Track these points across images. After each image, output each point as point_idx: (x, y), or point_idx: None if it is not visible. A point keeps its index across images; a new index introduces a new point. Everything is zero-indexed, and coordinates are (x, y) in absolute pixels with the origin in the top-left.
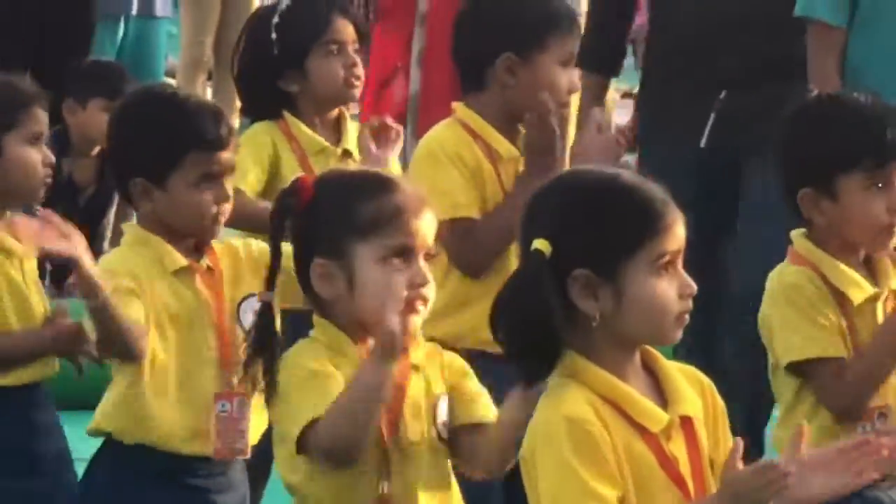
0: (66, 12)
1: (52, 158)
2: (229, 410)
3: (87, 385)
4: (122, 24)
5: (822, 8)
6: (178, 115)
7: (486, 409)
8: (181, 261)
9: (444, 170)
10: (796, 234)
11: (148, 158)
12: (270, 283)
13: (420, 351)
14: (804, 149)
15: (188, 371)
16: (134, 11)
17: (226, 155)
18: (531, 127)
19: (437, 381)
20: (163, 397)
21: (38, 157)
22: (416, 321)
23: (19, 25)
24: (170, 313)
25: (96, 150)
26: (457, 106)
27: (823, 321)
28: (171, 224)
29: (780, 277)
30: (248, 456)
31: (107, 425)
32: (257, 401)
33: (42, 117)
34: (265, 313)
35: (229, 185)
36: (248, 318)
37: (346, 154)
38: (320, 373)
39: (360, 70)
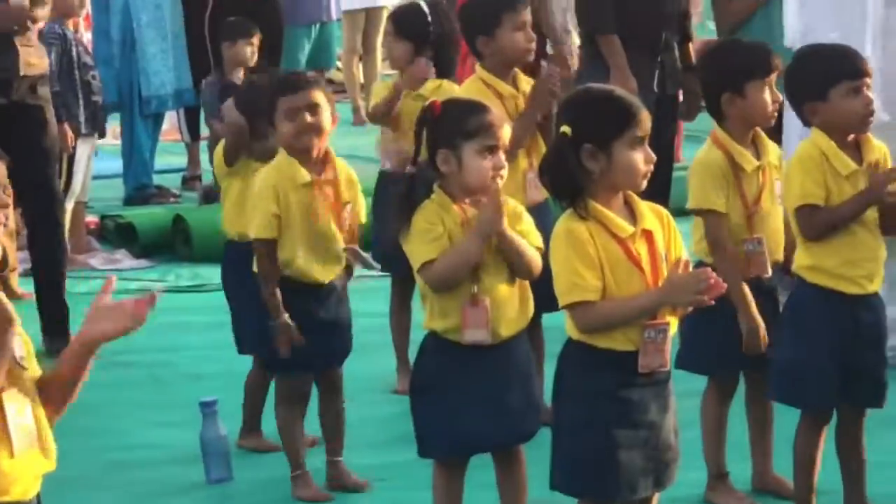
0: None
1: None
2: None
3: None
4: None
5: None
6: None
7: (531, 236)
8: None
9: None
10: (715, 128)
11: None
12: (414, 161)
13: None
14: (725, 68)
15: None
16: (324, 19)
17: None
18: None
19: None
20: None
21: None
22: (496, 187)
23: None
24: None
25: None
26: (477, 67)
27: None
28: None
29: (701, 155)
30: None
31: None
32: None
33: None
34: (411, 185)
35: None
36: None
37: None
38: (428, 230)
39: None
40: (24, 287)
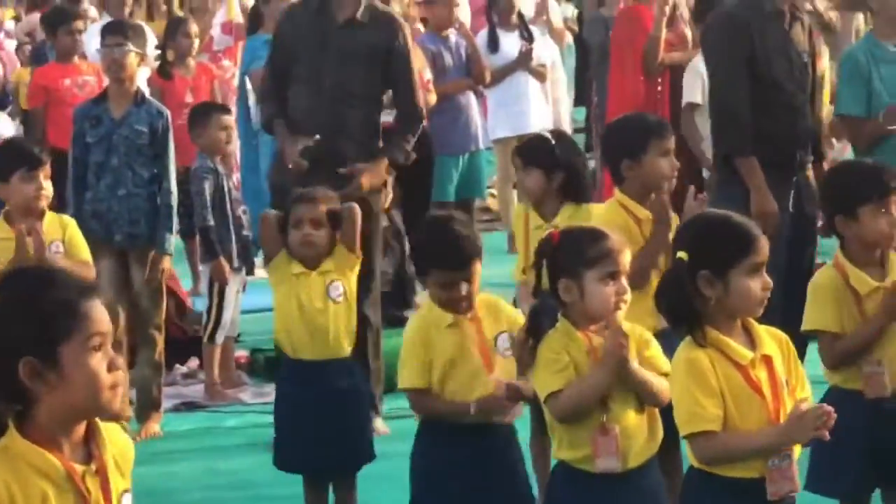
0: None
1: None
2: None
3: None
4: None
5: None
6: None
7: (659, 362)
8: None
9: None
10: (838, 250)
11: None
12: (536, 293)
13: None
14: (838, 191)
15: None
16: (473, 149)
17: None
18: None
19: (631, 350)
20: None
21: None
22: (621, 315)
23: None
24: None
25: None
26: (616, 192)
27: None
28: None
29: (817, 276)
30: None
31: None
32: None
33: None
34: (535, 317)
35: None
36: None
37: None
38: (553, 360)
39: None
40: None
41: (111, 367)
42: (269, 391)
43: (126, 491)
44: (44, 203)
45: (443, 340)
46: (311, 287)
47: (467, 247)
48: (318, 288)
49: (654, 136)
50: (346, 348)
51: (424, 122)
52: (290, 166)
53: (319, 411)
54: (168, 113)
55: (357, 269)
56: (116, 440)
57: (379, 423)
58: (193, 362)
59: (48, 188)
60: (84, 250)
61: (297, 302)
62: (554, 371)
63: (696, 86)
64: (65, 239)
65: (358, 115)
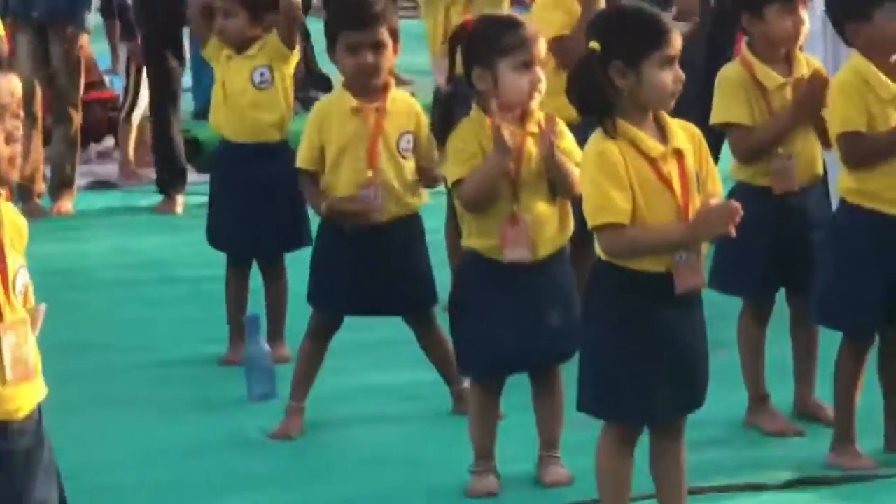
0: None
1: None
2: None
3: None
4: None
5: None
6: None
7: (574, 154)
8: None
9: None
10: (744, 44)
11: None
12: (449, 80)
13: (534, 122)
14: None
15: None
16: None
17: None
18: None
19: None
20: None
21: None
22: (534, 104)
23: None
24: None
25: None
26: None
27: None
28: None
29: (723, 71)
30: None
31: None
32: None
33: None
34: (446, 104)
35: None
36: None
37: None
38: (461, 149)
39: None
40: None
41: (9, 140)
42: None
43: (22, 266)
44: None
45: (341, 125)
46: (235, 71)
47: (375, 9)
48: (243, 73)
49: None
50: (274, 133)
51: None
52: None
53: (246, 193)
54: None
55: (292, 61)
56: (12, 218)
57: None
58: (109, 141)
59: None
60: None
61: (222, 85)
62: (461, 159)
63: None
64: None
65: None
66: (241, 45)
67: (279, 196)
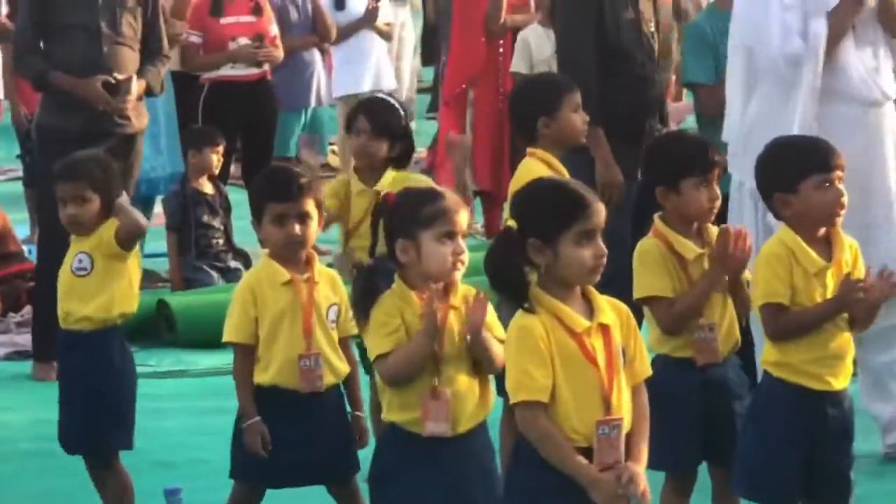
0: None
1: None
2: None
3: None
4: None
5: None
6: None
7: (494, 329)
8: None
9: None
10: (656, 218)
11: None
12: (372, 254)
13: (458, 296)
14: (661, 162)
15: None
16: (314, 104)
17: None
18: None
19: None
20: None
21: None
22: (458, 276)
23: None
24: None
25: None
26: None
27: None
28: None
29: (640, 245)
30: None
31: None
32: None
33: None
34: (370, 278)
35: None
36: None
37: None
38: (384, 322)
39: None
40: None
41: None
42: None
43: None
44: None
45: (275, 298)
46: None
47: (301, 181)
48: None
49: (566, 91)
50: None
51: (269, 78)
52: (109, 103)
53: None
54: None
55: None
56: None
57: None
58: (28, 309)
59: None
60: None
61: None
62: (384, 334)
63: (522, 55)
64: None
65: (133, 56)
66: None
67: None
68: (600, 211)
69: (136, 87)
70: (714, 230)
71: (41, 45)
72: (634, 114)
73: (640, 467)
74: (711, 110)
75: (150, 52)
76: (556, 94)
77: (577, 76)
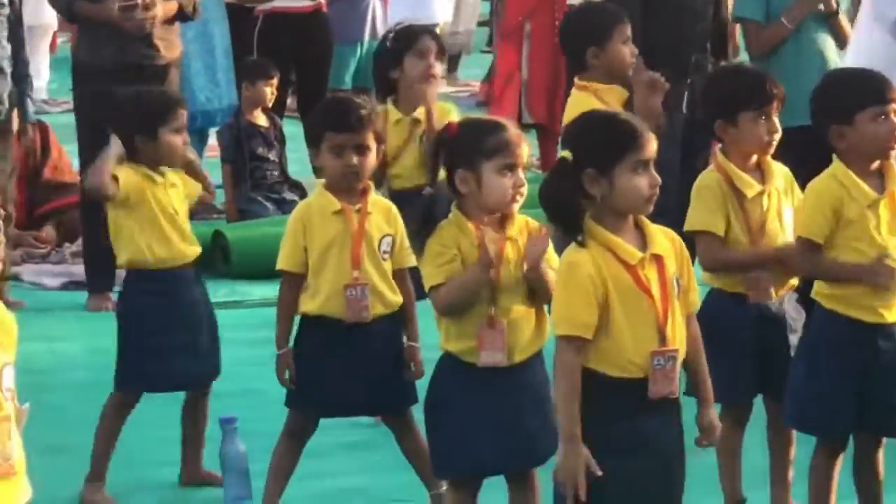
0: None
1: None
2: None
3: None
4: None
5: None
6: None
7: (552, 260)
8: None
9: None
10: (717, 151)
11: None
12: (432, 183)
13: (515, 227)
14: (719, 96)
15: None
16: (369, 38)
17: None
18: None
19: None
20: None
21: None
22: (516, 207)
23: None
24: None
25: None
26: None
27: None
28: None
29: (700, 178)
30: None
31: None
32: None
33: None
34: (429, 206)
35: None
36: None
37: None
38: (439, 252)
39: None
40: (16, 295)
41: None
42: None
43: (7, 364)
44: None
45: (324, 227)
46: None
47: (361, 112)
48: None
49: (617, 22)
50: None
51: (323, 9)
52: (129, 19)
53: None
54: None
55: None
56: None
57: None
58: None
59: None
60: None
61: None
62: (438, 264)
63: None
64: None
65: None
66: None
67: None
68: (652, 141)
69: (162, 7)
70: (775, 166)
71: None
72: (678, 45)
73: (712, 410)
74: (756, 51)
75: None
76: (606, 25)
77: (621, 6)
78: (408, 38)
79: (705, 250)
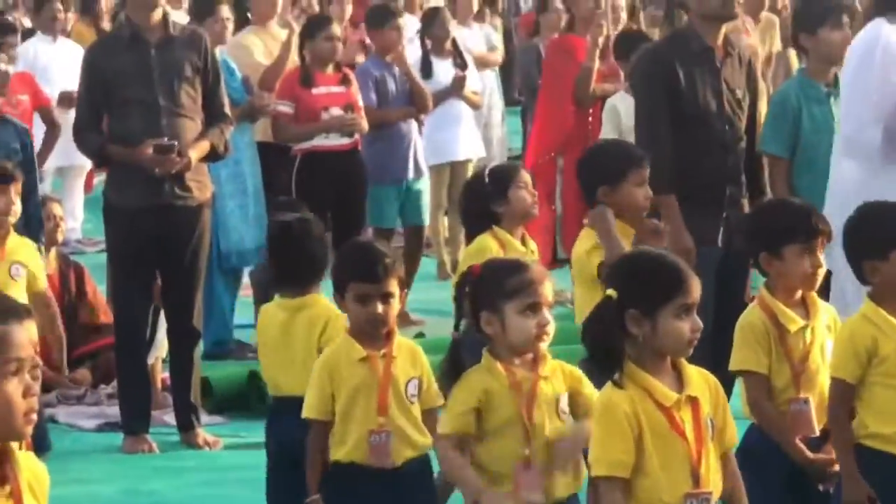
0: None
1: None
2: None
3: None
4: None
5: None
6: None
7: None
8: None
9: None
10: (762, 287)
11: None
12: (457, 327)
13: (547, 366)
14: (764, 228)
15: None
16: (411, 177)
17: None
18: None
19: (559, 385)
20: None
21: None
22: (544, 346)
23: None
24: None
25: None
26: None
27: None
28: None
29: (743, 316)
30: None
31: None
32: None
33: None
34: (455, 351)
35: None
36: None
37: None
38: (461, 401)
39: None
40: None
41: (26, 393)
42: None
43: None
44: (11, 220)
45: (350, 374)
46: None
47: (385, 261)
48: None
49: (632, 165)
50: None
51: (359, 147)
52: (160, 163)
53: None
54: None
55: None
56: (31, 466)
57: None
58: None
59: (17, 205)
60: (42, 281)
61: None
62: (455, 413)
63: (611, 122)
64: (27, 264)
65: (193, 126)
66: None
67: None
68: (697, 286)
69: (196, 151)
70: (819, 302)
71: (103, 121)
72: (712, 180)
73: None
74: (777, 189)
75: (211, 116)
76: (622, 166)
77: (650, 144)
78: (508, 173)
79: (750, 389)
